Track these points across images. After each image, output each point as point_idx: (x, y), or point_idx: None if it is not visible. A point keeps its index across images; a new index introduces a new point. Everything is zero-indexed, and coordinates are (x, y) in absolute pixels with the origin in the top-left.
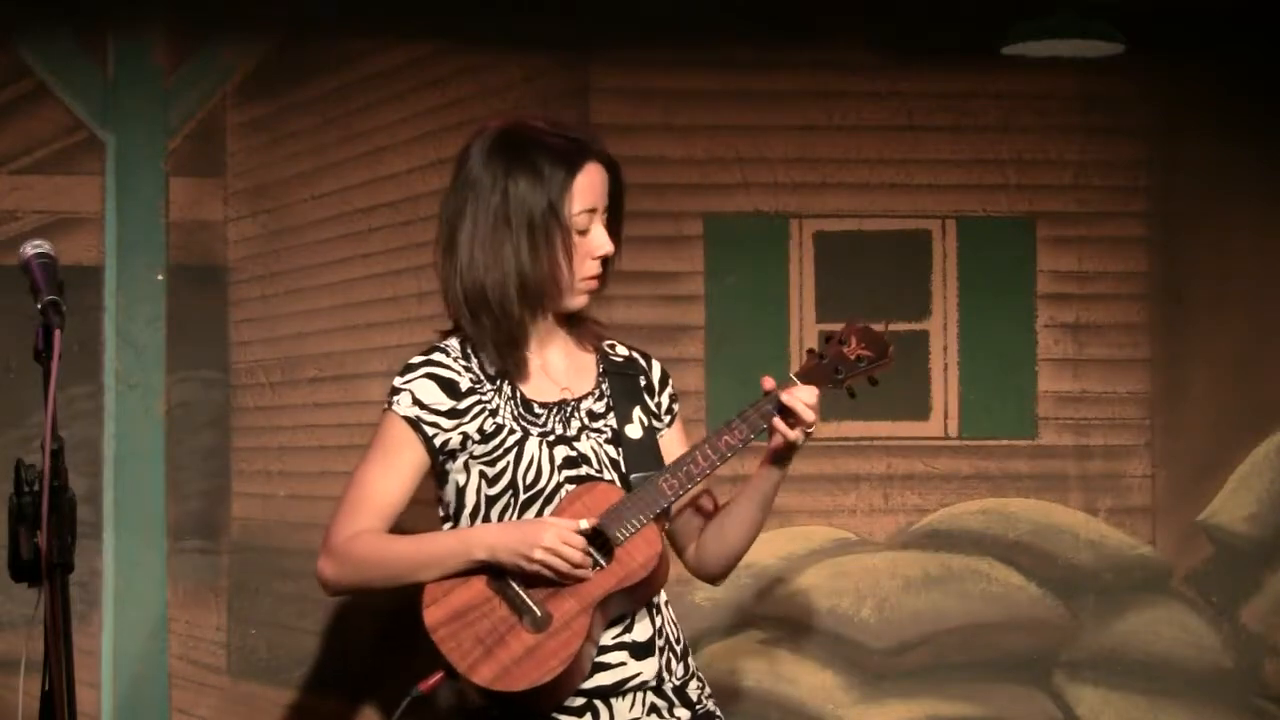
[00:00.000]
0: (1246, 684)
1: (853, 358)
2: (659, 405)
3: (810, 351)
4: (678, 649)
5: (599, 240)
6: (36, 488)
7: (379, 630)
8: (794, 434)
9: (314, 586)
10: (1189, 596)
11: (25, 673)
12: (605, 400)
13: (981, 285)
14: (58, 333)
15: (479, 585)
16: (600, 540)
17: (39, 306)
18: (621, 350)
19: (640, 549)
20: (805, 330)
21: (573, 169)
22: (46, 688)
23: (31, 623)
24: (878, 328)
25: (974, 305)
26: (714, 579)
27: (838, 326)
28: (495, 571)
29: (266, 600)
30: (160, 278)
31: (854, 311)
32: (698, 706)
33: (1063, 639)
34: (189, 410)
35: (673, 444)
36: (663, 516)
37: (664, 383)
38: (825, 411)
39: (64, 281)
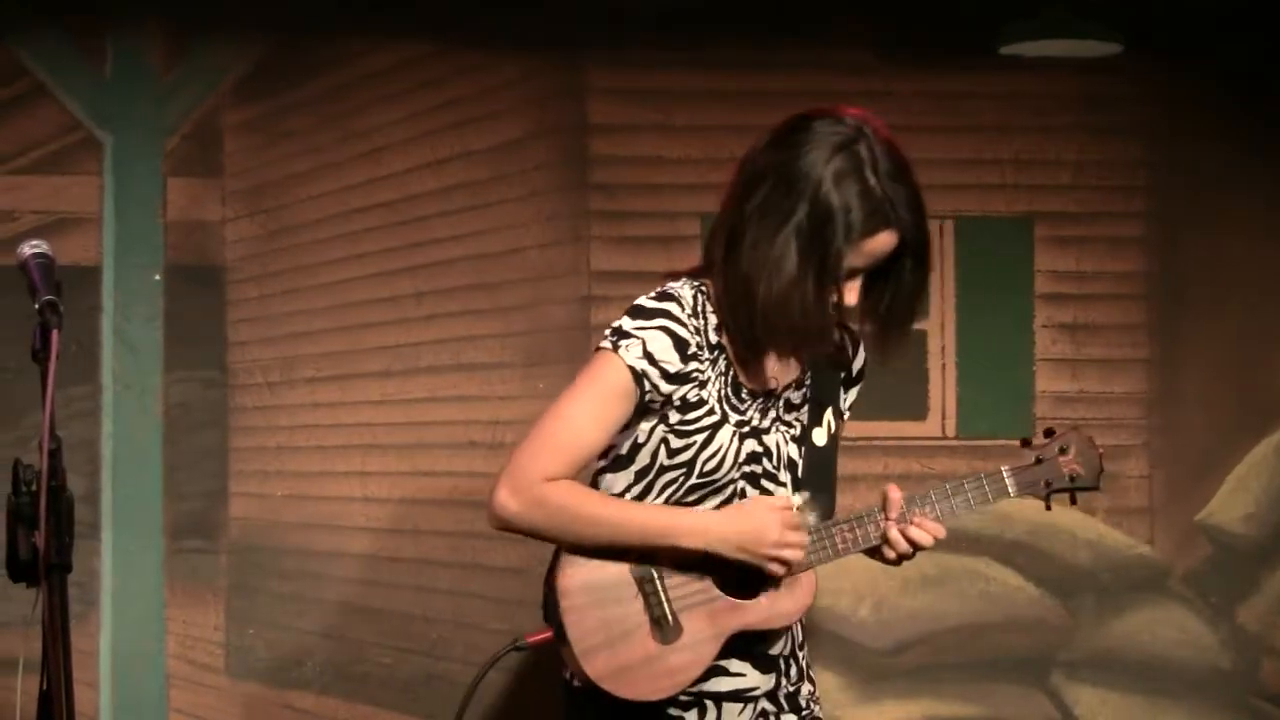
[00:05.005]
0: (1244, 684)
1: (1065, 471)
2: (845, 401)
3: (1025, 443)
4: (799, 655)
5: (848, 293)
6: (34, 488)
7: (375, 629)
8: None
9: (311, 586)
10: (1187, 596)
11: (23, 673)
12: (803, 392)
13: (979, 285)
14: (55, 333)
15: (623, 566)
16: (757, 571)
17: (36, 307)
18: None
19: (796, 594)
20: None
21: (872, 229)
22: (45, 688)
23: (29, 623)
24: (1099, 446)
25: (972, 305)
26: None
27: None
28: (645, 558)
29: (264, 600)
30: (158, 278)
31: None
32: (804, 712)
33: (1060, 639)
34: (187, 410)
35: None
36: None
37: (860, 376)
38: None
39: (61, 282)
